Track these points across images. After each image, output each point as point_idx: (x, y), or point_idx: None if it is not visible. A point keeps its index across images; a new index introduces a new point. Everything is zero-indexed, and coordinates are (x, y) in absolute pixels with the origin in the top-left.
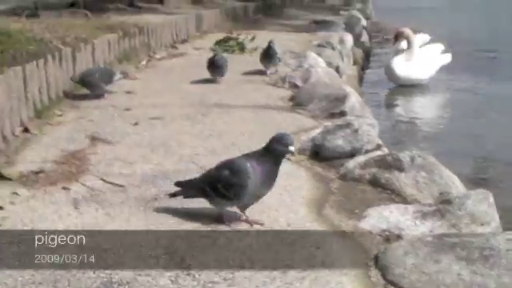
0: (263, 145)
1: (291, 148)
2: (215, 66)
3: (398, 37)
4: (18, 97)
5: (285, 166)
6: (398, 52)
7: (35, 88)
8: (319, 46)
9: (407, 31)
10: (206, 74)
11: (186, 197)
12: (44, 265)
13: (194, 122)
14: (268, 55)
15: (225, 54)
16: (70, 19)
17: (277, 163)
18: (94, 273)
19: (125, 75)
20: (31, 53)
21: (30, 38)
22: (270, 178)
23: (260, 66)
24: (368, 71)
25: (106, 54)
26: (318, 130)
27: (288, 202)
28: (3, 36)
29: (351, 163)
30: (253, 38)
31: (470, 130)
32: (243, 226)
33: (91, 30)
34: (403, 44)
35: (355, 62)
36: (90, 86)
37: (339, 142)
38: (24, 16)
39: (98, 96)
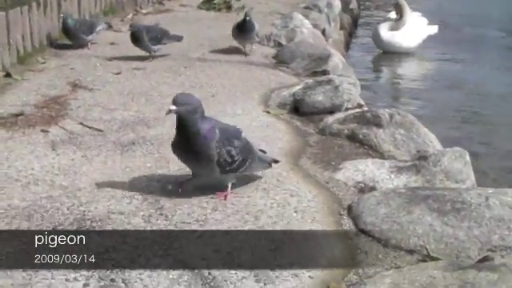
0: (243, 98)
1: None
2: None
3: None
4: (1, 42)
5: (264, 119)
6: (388, 20)
7: (18, 34)
8: (306, 8)
9: (401, 1)
10: (191, 30)
11: None
12: (17, 200)
13: (175, 74)
14: (243, 30)
15: (211, 12)
16: None
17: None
18: (67, 209)
19: (109, 26)
20: None
21: None
22: None
23: None
24: (355, 37)
25: (91, 5)
26: (298, 86)
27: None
28: None
29: (330, 118)
30: None
31: (451, 97)
32: None
33: None
34: (393, 13)
35: (342, 27)
36: (70, 36)
37: (319, 97)
38: None
39: (81, 46)
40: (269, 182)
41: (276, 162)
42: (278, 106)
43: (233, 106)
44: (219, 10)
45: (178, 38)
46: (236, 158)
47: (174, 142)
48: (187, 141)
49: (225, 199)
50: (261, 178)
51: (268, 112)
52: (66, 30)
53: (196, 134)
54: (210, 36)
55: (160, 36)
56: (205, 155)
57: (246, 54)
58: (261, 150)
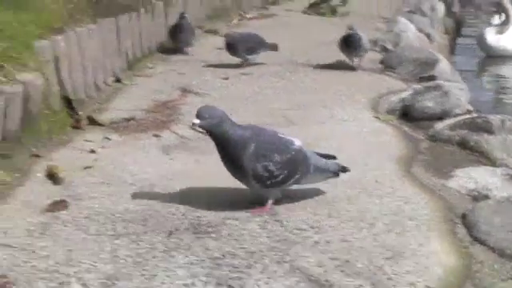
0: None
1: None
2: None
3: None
4: (111, 48)
5: (373, 124)
6: (492, 24)
7: (127, 40)
8: (410, 12)
9: (505, 3)
10: (296, 35)
11: None
12: (132, 205)
13: (281, 79)
14: (349, 46)
15: (316, 17)
16: None
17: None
18: (182, 214)
19: (214, 32)
20: (124, 5)
21: None
22: None
23: None
24: (459, 41)
25: (197, 10)
26: (407, 92)
27: (376, 158)
28: None
29: (440, 124)
30: (345, 3)
31: None
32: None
33: None
34: (498, 17)
35: (446, 31)
36: (177, 41)
37: (429, 103)
38: None
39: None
40: (382, 189)
41: (345, 170)
42: (386, 112)
43: (340, 111)
44: (324, 14)
45: (274, 47)
46: (276, 173)
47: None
48: (221, 154)
49: (259, 213)
50: (324, 193)
51: (377, 118)
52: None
53: (226, 146)
54: (315, 40)
55: (255, 46)
56: (237, 168)
57: (354, 69)
58: (328, 157)
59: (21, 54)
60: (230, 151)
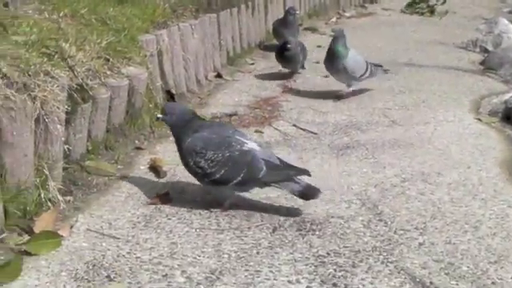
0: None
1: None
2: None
3: None
4: (212, 43)
5: (476, 127)
6: None
7: (228, 36)
8: (510, 12)
9: None
10: (395, 35)
11: None
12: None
13: (384, 79)
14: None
15: (414, 16)
16: None
17: None
18: (286, 211)
19: (313, 30)
20: (225, 1)
21: None
22: None
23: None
24: None
25: (296, 7)
26: (510, 94)
27: (480, 161)
28: None
29: None
30: (444, 2)
31: None
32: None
33: None
34: None
35: None
36: (281, 36)
37: None
38: None
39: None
40: (486, 192)
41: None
42: (488, 114)
43: (444, 112)
44: (422, 13)
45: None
46: (210, 171)
47: None
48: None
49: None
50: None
51: (479, 120)
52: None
53: (177, 141)
54: (415, 40)
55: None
56: (183, 164)
57: (456, 69)
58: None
59: (126, 47)
60: (178, 147)
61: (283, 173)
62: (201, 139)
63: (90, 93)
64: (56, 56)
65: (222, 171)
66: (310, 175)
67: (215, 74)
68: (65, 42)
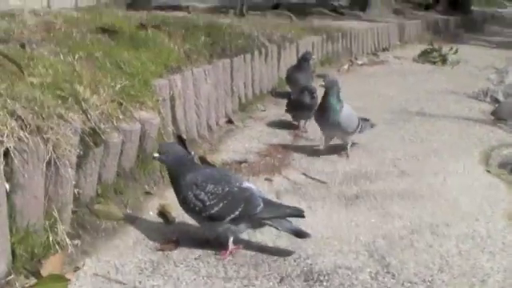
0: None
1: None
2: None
3: None
4: (225, 89)
5: (486, 178)
6: None
7: (241, 81)
8: None
9: None
10: (407, 83)
11: None
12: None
13: (395, 127)
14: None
15: (426, 65)
16: (275, 20)
17: None
18: (294, 261)
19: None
20: (239, 47)
21: (239, 33)
22: None
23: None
24: None
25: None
26: None
27: (488, 213)
28: (214, 29)
29: None
30: (456, 51)
31: None
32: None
33: (296, 30)
34: None
35: None
36: (294, 84)
37: None
38: (231, 13)
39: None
40: (494, 244)
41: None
42: (498, 166)
43: (454, 163)
44: (434, 63)
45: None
46: (209, 204)
47: None
48: (173, 189)
49: (223, 257)
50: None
51: (489, 171)
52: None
53: (174, 181)
54: (427, 89)
55: None
56: (179, 200)
57: (467, 119)
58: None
59: (140, 91)
60: (175, 185)
61: (279, 210)
62: (201, 174)
63: (103, 137)
64: (70, 99)
65: (221, 204)
66: (303, 216)
67: (226, 119)
68: (79, 84)
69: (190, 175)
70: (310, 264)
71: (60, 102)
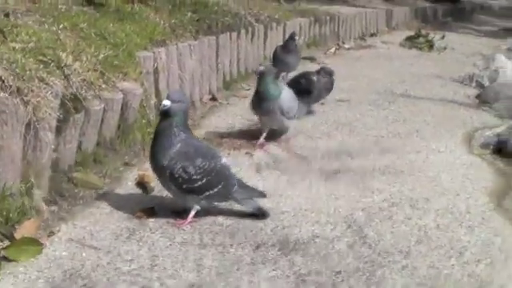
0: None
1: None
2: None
3: None
4: (210, 65)
5: (468, 158)
6: None
7: (226, 59)
8: (509, 50)
9: None
10: (393, 67)
11: None
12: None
13: (379, 108)
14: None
15: (413, 50)
16: (263, 0)
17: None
18: (271, 230)
19: (312, 60)
20: (226, 25)
21: (226, 11)
22: None
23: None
24: None
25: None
26: (503, 127)
27: (469, 190)
28: (201, 6)
29: None
30: (442, 37)
31: None
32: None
33: (284, 12)
34: None
35: None
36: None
37: None
38: None
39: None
40: (473, 219)
41: (263, 215)
42: (480, 146)
43: (437, 142)
44: (420, 48)
45: None
46: (195, 177)
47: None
48: (152, 143)
49: (179, 226)
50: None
51: (471, 151)
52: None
53: (160, 135)
54: (412, 73)
55: None
56: (158, 163)
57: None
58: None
59: (123, 62)
60: (159, 142)
61: (248, 192)
62: (191, 144)
63: (84, 103)
64: (52, 64)
65: (204, 180)
66: (266, 197)
67: (210, 97)
68: (62, 51)
69: (182, 144)
70: (287, 234)
71: (42, 66)
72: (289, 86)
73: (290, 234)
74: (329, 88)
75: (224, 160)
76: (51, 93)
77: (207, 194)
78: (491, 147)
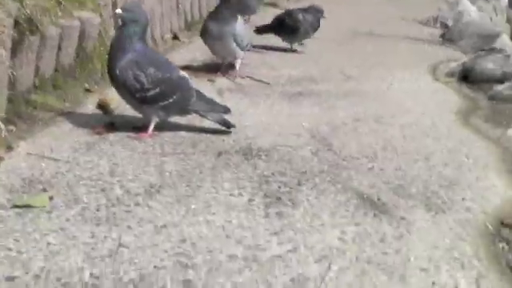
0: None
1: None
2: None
3: None
4: (170, 5)
5: (433, 85)
6: None
7: (187, 1)
8: None
9: None
10: (358, 10)
11: None
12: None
13: (342, 44)
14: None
15: None
16: None
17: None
18: (233, 141)
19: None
20: None
21: None
22: None
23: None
24: None
25: None
26: (468, 57)
27: (434, 110)
28: None
29: (500, 86)
30: None
31: None
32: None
33: None
34: None
35: (508, 22)
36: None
37: (490, 65)
38: None
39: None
40: (439, 131)
41: (228, 125)
42: (446, 75)
43: (402, 71)
44: None
45: None
46: (147, 87)
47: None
48: (108, 55)
49: (141, 137)
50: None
51: (437, 79)
52: None
53: (115, 46)
54: (378, 16)
55: None
56: (112, 73)
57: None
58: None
59: None
60: (113, 52)
61: (209, 105)
62: (145, 55)
63: (39, 27)
64: None
65: (157, 89)
66: (230, 112)
67: (172, 35)
68: None
69: (135, 54)
70: (250, 143)
71: None
72: (272, 24)
73: (252, 143)
74: (315, 27)
75: (182, 73)
76: (4, 11)
77: (162, 104)
78: (456, 75)
